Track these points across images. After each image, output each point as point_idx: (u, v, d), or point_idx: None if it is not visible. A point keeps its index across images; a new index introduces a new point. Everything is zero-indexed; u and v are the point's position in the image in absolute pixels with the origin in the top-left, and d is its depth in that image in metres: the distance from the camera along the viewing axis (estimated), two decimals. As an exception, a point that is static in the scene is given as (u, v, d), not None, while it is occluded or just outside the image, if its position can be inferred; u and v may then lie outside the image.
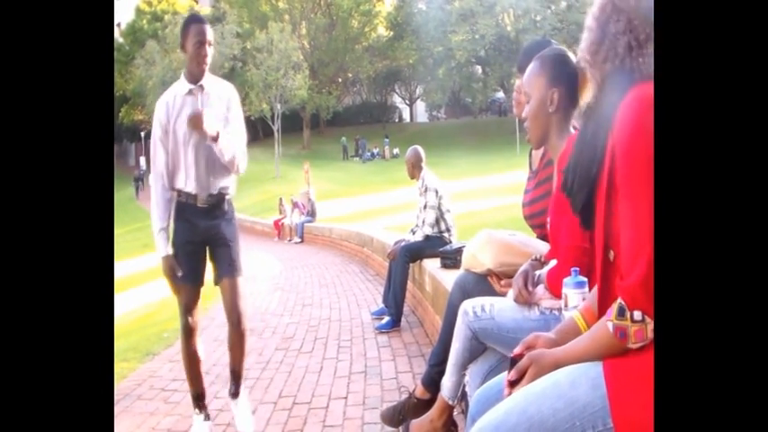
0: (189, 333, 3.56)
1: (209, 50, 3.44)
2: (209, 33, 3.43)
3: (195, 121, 3.30)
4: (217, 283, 3.57)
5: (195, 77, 3.48)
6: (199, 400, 3.64)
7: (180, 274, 3.45)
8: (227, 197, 3.60)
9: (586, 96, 1.60)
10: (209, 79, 3.51)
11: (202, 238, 3.53)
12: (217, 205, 3.55)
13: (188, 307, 3.53)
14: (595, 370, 1.40)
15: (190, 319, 3.53)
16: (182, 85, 3.51)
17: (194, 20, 3.50)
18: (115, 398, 4.35)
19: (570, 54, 2.27)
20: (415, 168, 6.31)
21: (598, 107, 1.50)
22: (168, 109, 3.48)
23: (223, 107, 3.51)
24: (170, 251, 3.47)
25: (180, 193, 3.52)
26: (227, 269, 3.54)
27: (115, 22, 66.08)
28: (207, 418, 3.64)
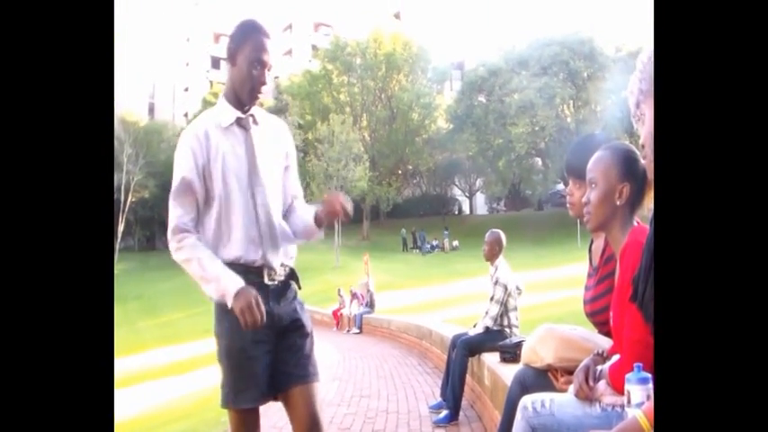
0: None
1: (269, 76, 2.55)
2: (271, 53, 2.54)
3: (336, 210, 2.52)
4: (282, 390, 2.53)
5: (243, 105, 2.58)
6: None
7: (262, 311, 2.33)
8: (293, 269, 2.65)
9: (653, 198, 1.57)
10: (257, 109, 2.65)
11: (273, 332, 2.50)
12: (289, 280, 2.59)
13: None
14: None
15: None
16: (223, 112, 2.57)
17: (254, 29, 2.52)
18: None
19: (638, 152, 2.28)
20: (492, 252, 6.28)
21: None
22: (202, 144, 2.49)
23: (281, 149, 2.69)
24: (241, 281, 2.38)
25: (232, 266, 2.46)
26: (307, 370, 2.54)
27: (182, 112, 68.91)
28: None
